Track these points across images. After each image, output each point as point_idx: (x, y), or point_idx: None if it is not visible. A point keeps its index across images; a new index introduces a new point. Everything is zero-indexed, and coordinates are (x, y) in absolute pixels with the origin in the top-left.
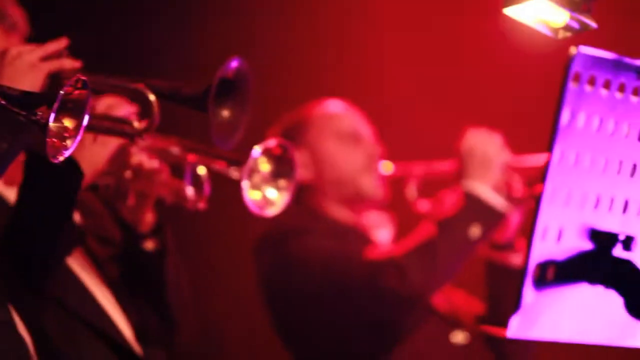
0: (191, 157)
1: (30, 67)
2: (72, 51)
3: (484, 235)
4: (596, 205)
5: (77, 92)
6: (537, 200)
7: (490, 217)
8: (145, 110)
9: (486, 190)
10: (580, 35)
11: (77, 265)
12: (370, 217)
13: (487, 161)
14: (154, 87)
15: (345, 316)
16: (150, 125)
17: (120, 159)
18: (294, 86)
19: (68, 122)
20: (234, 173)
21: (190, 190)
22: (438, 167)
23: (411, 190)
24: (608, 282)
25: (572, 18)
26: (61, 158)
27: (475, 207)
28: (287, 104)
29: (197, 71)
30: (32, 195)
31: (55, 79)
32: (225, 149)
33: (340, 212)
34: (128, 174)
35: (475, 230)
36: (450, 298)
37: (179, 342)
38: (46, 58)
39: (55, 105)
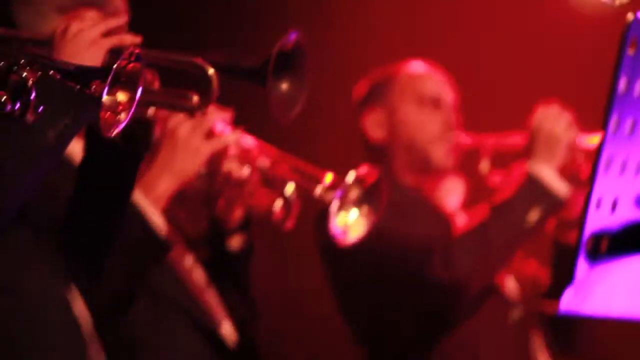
0: (282, 173)
1: (90, 43)
2: (133, 27)
3: (542, 221)
4: None
5: (131, 65)
6: (593, 169)
7: (550, 202)
8: (204, 84)
9: (550, 174)
10: (638, 2)
11: (178, 256)
12: (440, 183)
13: (555, 140)
14: (212, 60)
15: (394, 298)
16: (209, 100)
17: (212, 164)
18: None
19: (122, 96)
20: (319, 196)
21: (278, 206)
22: (510, 140)
23: (484, 163)
24: None
25: None
26: (115, 132)
27: (535, 191)
28: (352, 74)
29: (256, 45)
30: (91, 173)
31: (116, 55)
32: (285, 122)
33: (407, 177)
34: (219, 179)
35: (533, 215)
36: (518, 270)
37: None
38: (106, 34)
39: (109, 79)
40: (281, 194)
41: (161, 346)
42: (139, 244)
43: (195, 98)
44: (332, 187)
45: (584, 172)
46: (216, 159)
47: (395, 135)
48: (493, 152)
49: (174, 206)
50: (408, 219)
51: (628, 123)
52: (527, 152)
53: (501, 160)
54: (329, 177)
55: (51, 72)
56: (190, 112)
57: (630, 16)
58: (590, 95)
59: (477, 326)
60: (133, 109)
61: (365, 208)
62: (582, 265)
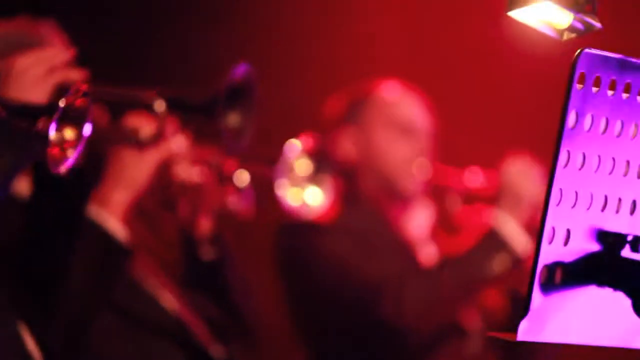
0: (232, 166)
1: (36, 80)
2: (80, 61)
3: (499, 275)
4: (603, 207)
5: (78, 101)
6: (545, 202)
7: (509, 258)
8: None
9: (513, 229)
10: (585, 37)
11: (141, 271)
12: (406, 209)
13: (522, 196)
14: (161, 95)
15: (344, 327)
16: (158, 134)
17: (164, 173)
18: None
19: (70, 132)
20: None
21: (235, 198)
22: (479, 181)
23: (452, 197)
24: (616, 284)
25: (576, 19)
26: (63, 169)
27: (495, 246)
28: (297, 105)
29: (204, 78)
30: (39, 208)
31: (64, 91)
32: (235, 153)
33: (374, 201)
34: (175, 187)
35: (490, 269)
36: (477, 301)
37: (254, 340)
38: (52, 70)
39: (55, 116)
40: (236, 186)
41: None
42: (100, 253)
43: (144, 133)
44: (276, 161)
45: None
46: (167, 168)
47: (366, 158)
48: (462, 189)
49: (142, 231)
50: (369, 248)
51: (578, 156)
52: (494, 200)
53: (470, 197)
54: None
55: None
56: (141, 146)
57: (577, 51)
58: (532, 127)
59: (432, 358)
60: (81, 146)
61: (317, 176)
62: (536, 295)
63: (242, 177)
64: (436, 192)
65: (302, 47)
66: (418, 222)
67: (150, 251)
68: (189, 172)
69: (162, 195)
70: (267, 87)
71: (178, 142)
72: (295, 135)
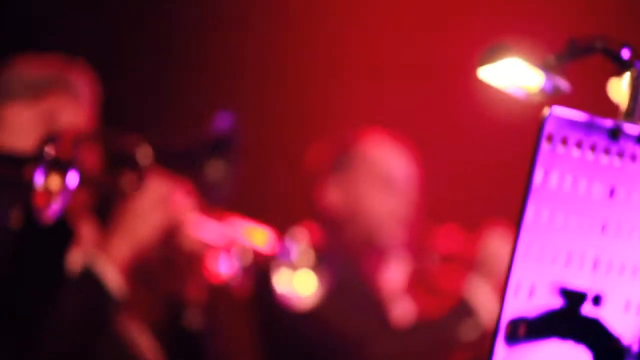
0: (232, 243)
1: (27, 128)
2: None
3: (468, 343)
4: (567, 263)
5: (65, 150)
6: (510, 258)
7: (480, 329)
8: (138, 168)
9: (487, 300)
10: (553, 97)
11: (130, 332)
12: (384, 262)
13: (500, 269)
14: (145, 143)
15: None
16: (142, 183)
17: (168, 240)
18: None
19: (56, 181)
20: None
21: (235, 275)
22: (456, 241)
23: (433, 256)
24: (577, 338)
25: (545, 80)
26: (48, 217)
27: (467, 318)
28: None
29: (186, 124)
30: (24, 257)
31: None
32: (217, 204)
33: (354, 253)
34: (176, 254)
35: (459, 337)
36: None
37: None
38: (44, 119)
39: (41, 164)
40: (236, 262)
41: None
42: (93, 301)
43: (131, 182)
44: (276, 250)
45: None
46: (172, 232)
47: (349, 209)
48: (440, 247)
49: (134, 287)
50: (344, 303)
51: (544, 213)
52: (471, 265)
53: (447, 256)
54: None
55: None
56: (124, 194)
57: (545, 111)
58: (500, 184)
59: None
60: (67, 195)
61: (313, 269)
62: (500, 349)
63: (246, 254)
64: (414, 249)
65: (288, 95)
66: (394, 276)
67: (140, 309)
68: (193, 239)
69: (162, 258)
70: (252, 135)
71: (188, 207)
72: (280, 185)
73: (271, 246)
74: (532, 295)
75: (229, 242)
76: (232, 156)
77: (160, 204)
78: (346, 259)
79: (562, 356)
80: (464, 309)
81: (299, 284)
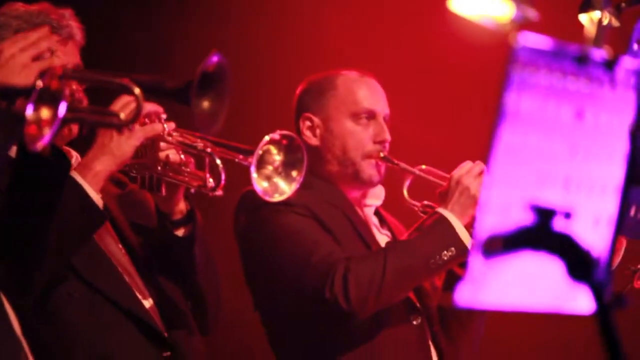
0: (212, 149)
1: (22, 67)
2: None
3: (442, 268)
4: (539, 183)
5: (55, 83)
6: (486, 177)
7: (457, 249)
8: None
9: (459, 225)
10: (523, 25)
11: (107, 245)
12: (366, 193)
13: (470, 198)
14: (138, 81)
15: (291, 302)
16: (135, 117)
17: (151, 153)
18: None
19: (46, 112)
20: (240, 159)
21: (210, 180)
22: (431, 179)
23: (405, 189)
24: (550, 251)
25: (515, 9)
26: (39, 146)
27: (444, 236)
28: (269, 95)
29: (180, 67)
30: (20, 186)
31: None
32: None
33: (332, 182)
34: (159, 167)
35: (437, 258)
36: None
37: (210, 323)
38: (37, 58)
39: (32, 97)
40: (210, 168)
41: (97, 337)
42: (76, 214)
43: (122, 116)
44: (251, 152)
45: None
46: (153, 147)
47: (329, 145)
48: (414, 181)
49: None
50: (323, 229)
51: (515, 136)
52: (441, 198)
53: (418, 191)
54: (248, 147)
55: None
56: (117, 128)
57: (515, 39)
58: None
59: (378, 331)
60: (57, 124)
61: (287, 168)
62: (476, 262)
63: (217, 162)
64: (392, 178)
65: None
66: (373, 204)
67: (124, 226)
68: (173, 154)
69: (143, 173)
70: (239, 79)
71: (163, 124)
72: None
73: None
74: (506, 213)
75: (209, 153)
76: (223, 93)
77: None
78: (328, 189)
79: (536, 268)
80: (439, 230)
81: (276, 181)
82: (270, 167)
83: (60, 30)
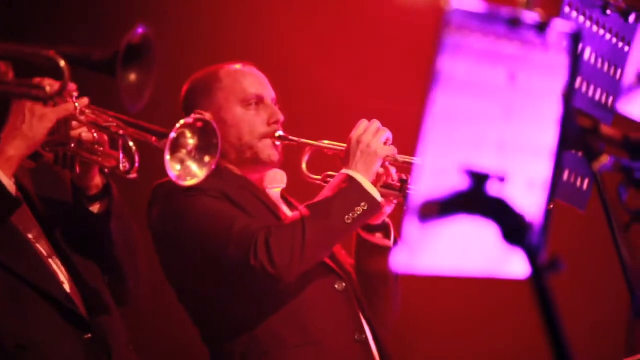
0: (125, 131)
1: None
2: None
3: (359, 221)
4: (473, 147)
5: None
6: (420, 142)
7: (369, 204)
8: (56, 76)
9: (365, 181)
10: None
11: (24, 227)
12: (264, 173)
13: (371, 155)
14: (64, 53)
15: (217, 277)
16: (61, 90)
17: (64, 131)
18: (203, 51)
19: None
20: (155, 142)
21: (123, 161)
22: (330, 147)
23: (303, 162)
24: (484, 215)
25: None
26: None
27: (355, 193)
28: (196, 68)
29: (105, 39)
30: None
31: None
32: (134, 111)
33: (236, 171)
34: (72, 145)
35: (351, 215)
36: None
37: (129, 296)
38: None
39: None
40: (124, 149)
41: (16, 323)
42: None
43: (48, 88)
44: (166, 134)
45: (393, 183)
46: (66, 125)
47: (224, 136)
48: (314, 153)
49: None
50: (235, 207)
51: (449, 101)
52: (344, 161)
53: (319, 164)
54: (163, 130)
55: None
56: (44, 101)
57: (447, 3)
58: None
59: (304, 297)
60: None
61: (200, 153)
62: (412, 227)
63: (131, 144)
64: (293, 154)
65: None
66: (276, 184)
67: (40, 203)
68: (86, 132)
69: (56, 150)
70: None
71: (75, 103)
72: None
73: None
74: (441, 177)
75: (122, 136)
76: (149, 66)
77: (52, 99)
78: (233, 174)
79: (471, 232)
80: (351, 188)
81: (188, 165)
82: (184, 151)
83: None
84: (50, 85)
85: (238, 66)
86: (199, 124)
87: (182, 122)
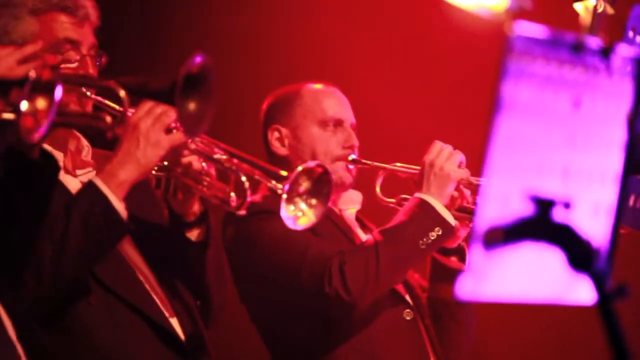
0: (237, 165)
1: (7, 69)
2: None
3: (433, 246)
4: (537, 172)
5: (46, 74)
6: (485, 169)
7: (443, 229)
8: (117, 105)
9: (439, 205)
10: (518, 14)
11: (126, 253)
12: (339, 196)
13: (445, 178)
14: (123, 83)
15: (289, 303)
16: (121, 119)
17: (173, 156)
18: (261, 78)
19: (41, 102)
20: (272, 185)
21: (233, 196)
22: (403, 170)
23: (377, 186)
24: (550, 242)
25: None
26: (36, 137)
27: (428, 217)
28: (255, 95)
29: (165, 68)
30: (9, 190)
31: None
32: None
33: None
34: (178, 171)
35: (425, 240)
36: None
37: (212, 324)
38: (23, 61)
39: (26, 88)
40: (236, 185)
41: (116, 345)
42: (100, 225)
43: (109, 118)
44: (283, 178)
45: (468, 205)
46: (176, 152)
47: (298, 153)
48: (388, 177)
49: (141, 202)
50: (310, 231)
51: (513, 127)
52: (417, 184)
53: (393, 187)
54: (277, 169)
55: None
56: (105, 131)
57: (510, 28)
58: (469, 102)
59: (372, 326)
60: (52, 114)
61: (313, 199)
62: (477, 254)
63: (243, 179)
64: (366, 179)
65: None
66: (351, 206)
67: (134, 222)
68: (196, 161)
69: (161, 173)
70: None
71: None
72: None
73: (274, 176)
74: (506, 204)
75: (235, 171)
76: (208, 94)
77: (161, 126)
78: None
79: (537, 260)
80: (425, 212)
81: (300, 211)
82: (296, 193)
83: (75, 10)
84: (110, 116)
85: (320, 86)
86: (319, 170)
87: (303, 166)
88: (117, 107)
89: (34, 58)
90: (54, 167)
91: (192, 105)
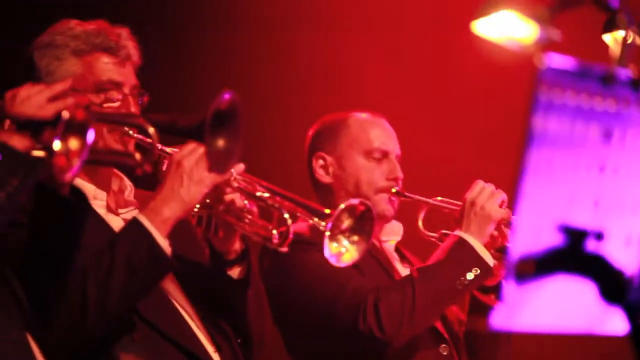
0: (279, 203)
1: (38, 107)
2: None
3: (468, 288)
4: (569, 203)
5: (80, 114)
6: (517, 200)
7: (480, 269)
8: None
9: (478, 245)
10: (547, 46)
11: (167, 288)
12: (381, 227)
13: (485, 217)
14: (152, 120)
15: (324, 336)
16: (151, 157)
17: (215, 194)
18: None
19: (74, 143)
20: (315, 222)
21: (275, 233)
22: (444, 205)
23: (419, 220)
24: (583, 273)
25: (539, 31)
26: (68, 176)
27: (466, 257)
28: (298, 126)
29: (193, 105)
30: (40, 227)
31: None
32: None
33: None
34: (220, 208)
35: (462, 280)
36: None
37: (256, 358)
38: (53, 99)
39: (59, 128)
40: (278, 223)
41: None
42: (144, 262)
43: (138, 156)
44: (326, 216)
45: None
46: (219, 190)
47: (342, 182)
48: (429, 211)
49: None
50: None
51: (544, 158)
52: (458, 222)
53: (435, 220)
54: (320, 207)
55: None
56: (134, 168)
57: (541, 60)
58: (499, 134)
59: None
60: (85, 155)
61: (355, 235)
62: (510, 286)
63: (285, 216)
64: (408, 211)
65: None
66: (393, 237)
67: (184, 265)
68: (238, 199)
69: (202, 210)
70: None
71: (235, 171)
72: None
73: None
74: (538, 235)
75: (274, 204)
76: (237, 130)
77: (205, 164)
78: None
79: (569, 291)
80: (460, 251)
81: (343, 248)
82: (338, 230)
83: (117, 51)
84: (140, 154)
85: (367, 115)
86: (361, 208)
87: (345, 204)
88: (158, 145)
89: (64, 96)
90: (84, 203)
91: (220, 142)
